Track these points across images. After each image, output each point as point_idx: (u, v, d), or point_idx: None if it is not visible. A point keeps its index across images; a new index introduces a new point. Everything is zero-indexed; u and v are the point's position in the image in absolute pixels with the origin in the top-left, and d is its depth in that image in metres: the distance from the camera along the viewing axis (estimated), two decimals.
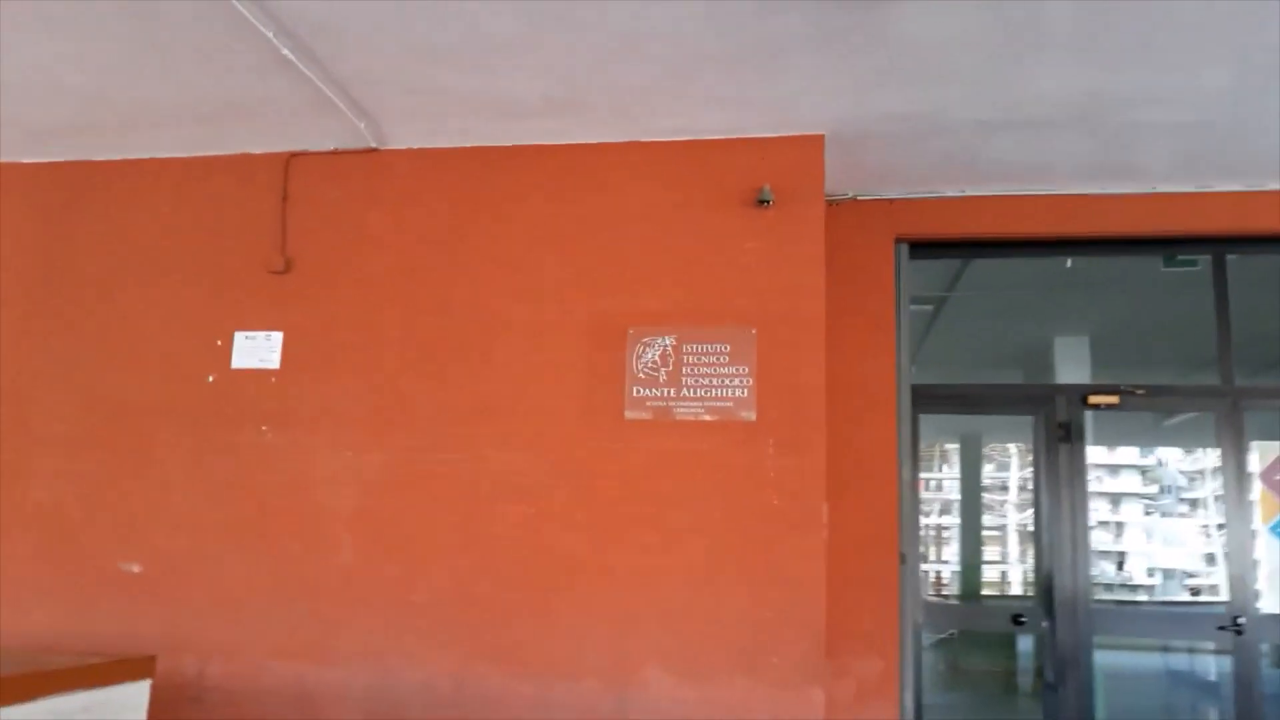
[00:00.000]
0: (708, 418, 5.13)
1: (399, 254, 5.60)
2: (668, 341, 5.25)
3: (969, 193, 6.19)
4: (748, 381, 5.14)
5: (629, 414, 5.20)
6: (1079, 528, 6.10)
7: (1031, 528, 6.49)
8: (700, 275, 5.29)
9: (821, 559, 4.95)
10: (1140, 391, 6.17)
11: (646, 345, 5.25)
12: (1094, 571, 6.19)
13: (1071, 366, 9.18)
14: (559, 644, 5.00)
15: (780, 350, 5.15)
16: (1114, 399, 6.17)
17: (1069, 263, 6.46)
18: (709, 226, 5.33)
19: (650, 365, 5.23)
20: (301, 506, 5.40)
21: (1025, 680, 8.75)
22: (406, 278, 5.57)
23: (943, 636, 7.89)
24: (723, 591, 4.94)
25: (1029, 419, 6.36)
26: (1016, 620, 6.20)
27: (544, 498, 5.20)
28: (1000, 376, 10.59)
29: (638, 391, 5.21)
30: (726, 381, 5.15)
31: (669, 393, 5.19)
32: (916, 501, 6.20)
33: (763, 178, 5.28)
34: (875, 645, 5.80)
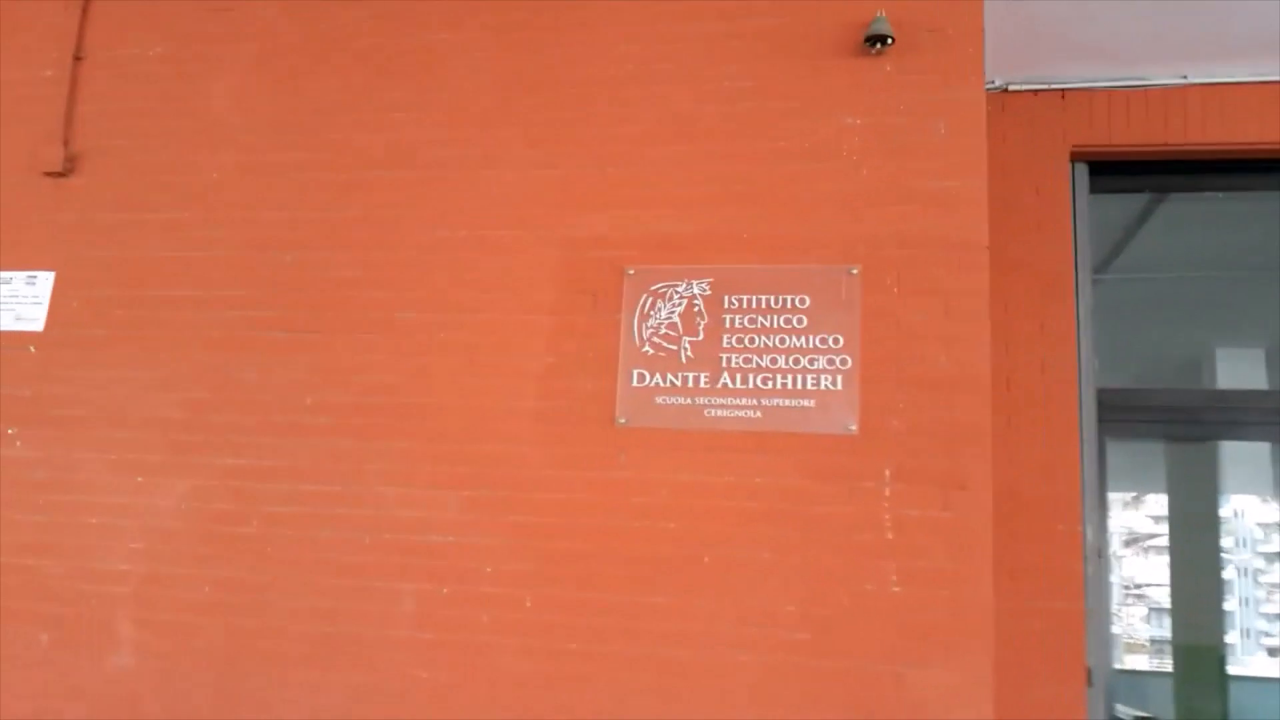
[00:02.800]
0: (769, 426, 2.78)
1: (247, 148, 3.34)
2: (697, 289, 2.91)
3: (1188, 79, 3.80)
4: (844, 363, 2.78)
5: (625, 418, 2.86)
6: None
7: None
8: (757, 174, 2.96)
9: (990, 701, 2.54)
10: None
11: (659, 297, 2.93)
12: None
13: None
14: None
15: (907, 309, 2.79)
16: None
17: None
18: (775, 86, 3.01)
19: (666, 331, 2.90)
20: (51, 572, 3.10)
21: None
22: (256, 185, 3.30)
23: None
24: None
25: None
26: None
27: (470, 574, 2.87)
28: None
29: (643, 378, 2.88)
30: (804, 362, 2.80)
31: (698, 380, 2.85)
32: (1105, 582, 3.73)
33: (876, 2, 2.95)
34: None
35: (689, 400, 2.84)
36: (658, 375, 2.88)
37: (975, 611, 2.58)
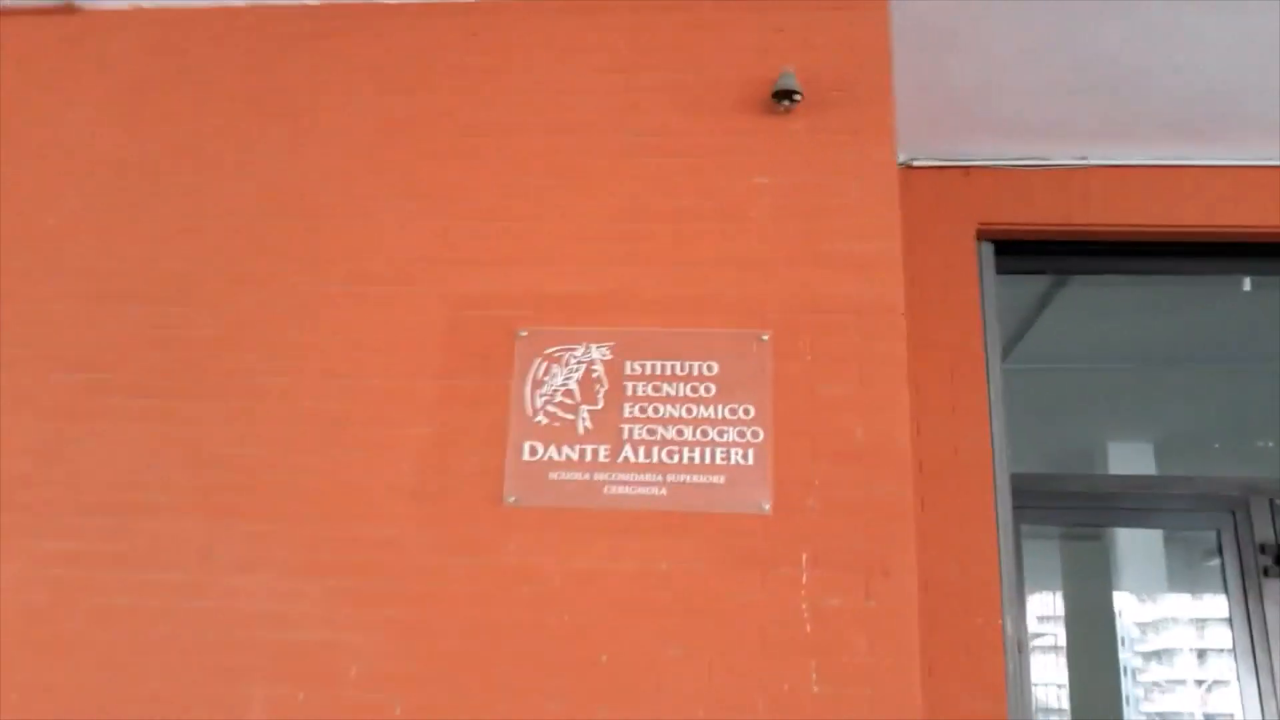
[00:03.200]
0: (675, 505, 2.51)
1: (93, 191, 2.98)
2: (596, 354, 2.66)
3: (1089, 160, 3.81)
4: (755, 435, 2.54)
5: (515, 497, 2.55)
6: None
7: None
8: (661, 232, 2.76)
9: None
10: None
11: (555, 361, 2.66)
12: None
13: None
14: None
15: (821, 378, 2.59)
16: None
17: (1246, 284, 4.03)
18: (680, 142, 2.84)
19: (562, 400, 2.62)
20: None
21: None
22: (102, 231, 2.94)
23: None
24: None
25: (1206, 536, 3.81)
26: None
27: (332, 676, 2.48)
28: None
29: (535, 451, 2.58)
30: (712, 434, 2.56)
31: (597, 453, 2.57)
32: (1026, 681, 3.52)
33: (783, 57, 2.83)
34: None
35: (587, 476, 2.55)
36: (552, 448, 2.59)
37: (902, 712, 2.32)
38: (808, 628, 2.39)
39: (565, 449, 2.58)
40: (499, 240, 2.79)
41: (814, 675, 2.36)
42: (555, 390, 2.63)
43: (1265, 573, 3.58)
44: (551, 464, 2.57)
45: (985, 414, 3.61)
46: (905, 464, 2.50)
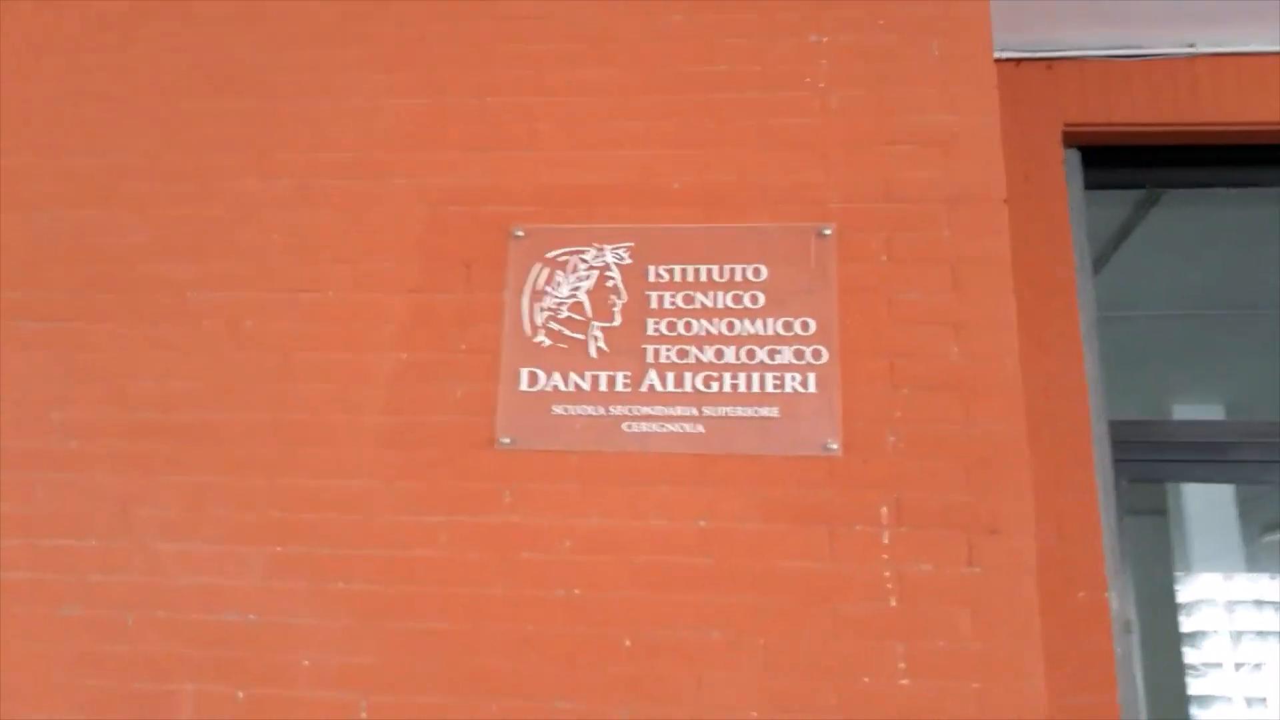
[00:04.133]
0: (716, 446, 1.95)
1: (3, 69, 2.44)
2: (611, 257, 2.09)
3: (1196, 48, 3.19)
4: (818, 357, 1.97)
5: (510, 438, 1.99)
6: None
7: None
8: (692, 106, 2.18)
9: None
10: None
11: (559, 267, 2.09)
12: None
13: None
14: None
15: (901, 284, 2.01)
16: None
17: None
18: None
19: (569, 315, 2.06)
20: None
21: None
22: (8, 118, 2.39)
23: None
24: None
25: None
26: None
27: (280, 669, 1.94)
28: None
29: (535, 380, 2.02)
30: (762, 356, 1.99)
31: (614, 381, 2.01)
32: (1135, 665, 2.92)
33: None
34: None
35: (601, 410, 1.99)
36: (557, 376, 2.02)
37: (1022, 712, 1.75)
38: (892, 602, 1.83)
39: (574, 377, 2.02)
40: (490, 120, 2.22)
41: (902, 664, 1.79)
42: (561, 303, 2.06)
43: None
44: (556, 395, 2.01)
45: (1079, 351, 3.02)
46: (1015, 391, 1.93)
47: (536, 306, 2.06)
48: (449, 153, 2.21)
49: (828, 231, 2.05)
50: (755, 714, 1.79)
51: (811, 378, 1.97)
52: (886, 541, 1.86)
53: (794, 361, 1.98)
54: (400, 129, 2.25)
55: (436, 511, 2.00)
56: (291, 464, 2.07)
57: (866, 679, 1.78)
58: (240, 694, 1.94)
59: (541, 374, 2.03)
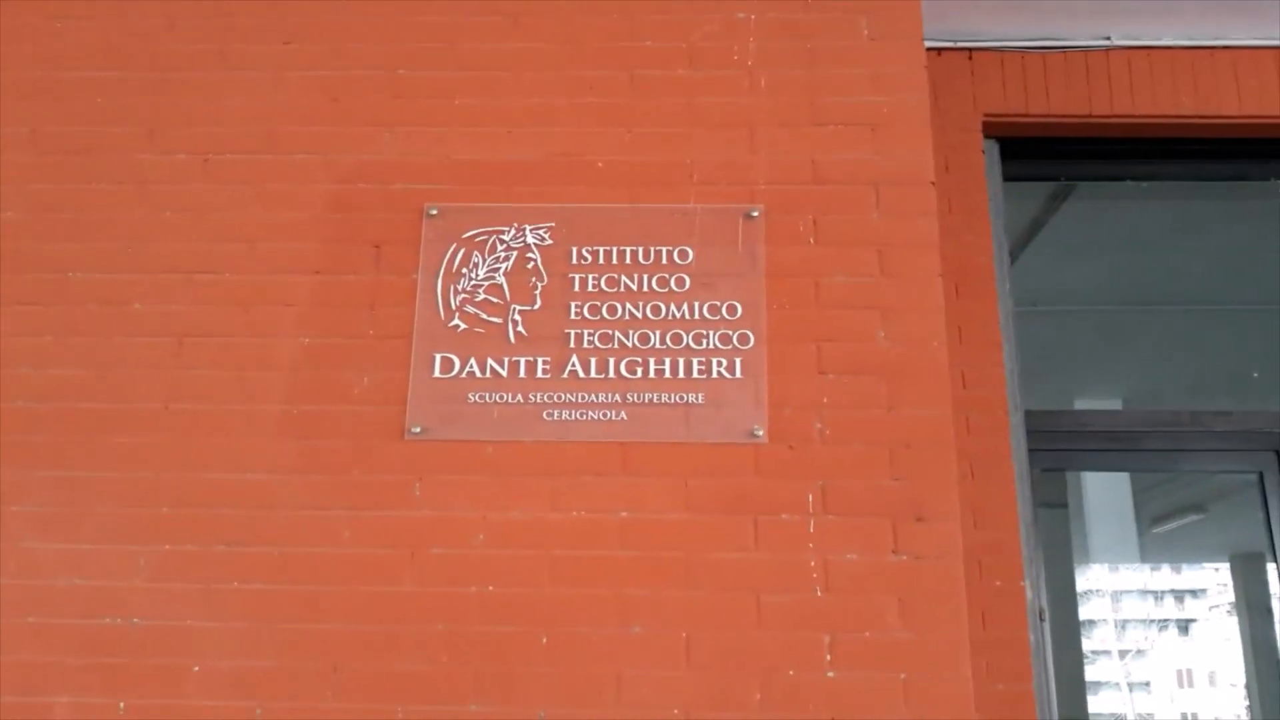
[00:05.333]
0: (639, 434, 1.87)
1: None
2: (532, 238, 1.99)
3: (1112, 41, 3.24)
4: (744, 342, 1.91)
5: (421, 427, 1.88)
6: None
7: None
8: (617, 82, 2.10)
9: None
10: None
11: (476, 248, 1.99)
12: None
13: None
14: None
15: (829, 267, 1.96)
16: None
17: None
18: None
19: (486, 298, 1.96)
20: None
21: None
22: None
23: None
24: None
25: (1246, 479, 3.30)
26: None
27: (167, 676, 1.80)
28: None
29: (450, 366, 1.92)
30: (687, 340, 1.92)
31: (535, 367, 1.92)
32: (1047, 655, 2.95)
33: None
34: None
35: (520, 398, 1.90)
36: (473, 362, 1.92)
37: (949, 705, 1.72)
38: (818, 592, 1.78)
39: (491, 363, 1.92)
40: (401, 93, 2.10)
41: (828, 656, 1.74)
42: (478, 285, 1.96)
43: None
44: (472, 382, 1.91)
45: (997, 341, 3.03)
46: (941, 375, 1.90)
47: (452, 289, 1.96)
48: (357, 127, 2.09)
49: (755, 213, 1.99)
50: (677, 711, 1.72)
51: (738, 363, 1.91)
52: (812, 530, 1.81)
53: (720, 346, 1.91)
54: (303, 102, 2.12)
55: (341, 505, 1.88)
56: (183, 456, 1.92)
57: (791, 671, 1.73)
58: (122, 704, 1.79)
59: (457, 360, 1.92)
